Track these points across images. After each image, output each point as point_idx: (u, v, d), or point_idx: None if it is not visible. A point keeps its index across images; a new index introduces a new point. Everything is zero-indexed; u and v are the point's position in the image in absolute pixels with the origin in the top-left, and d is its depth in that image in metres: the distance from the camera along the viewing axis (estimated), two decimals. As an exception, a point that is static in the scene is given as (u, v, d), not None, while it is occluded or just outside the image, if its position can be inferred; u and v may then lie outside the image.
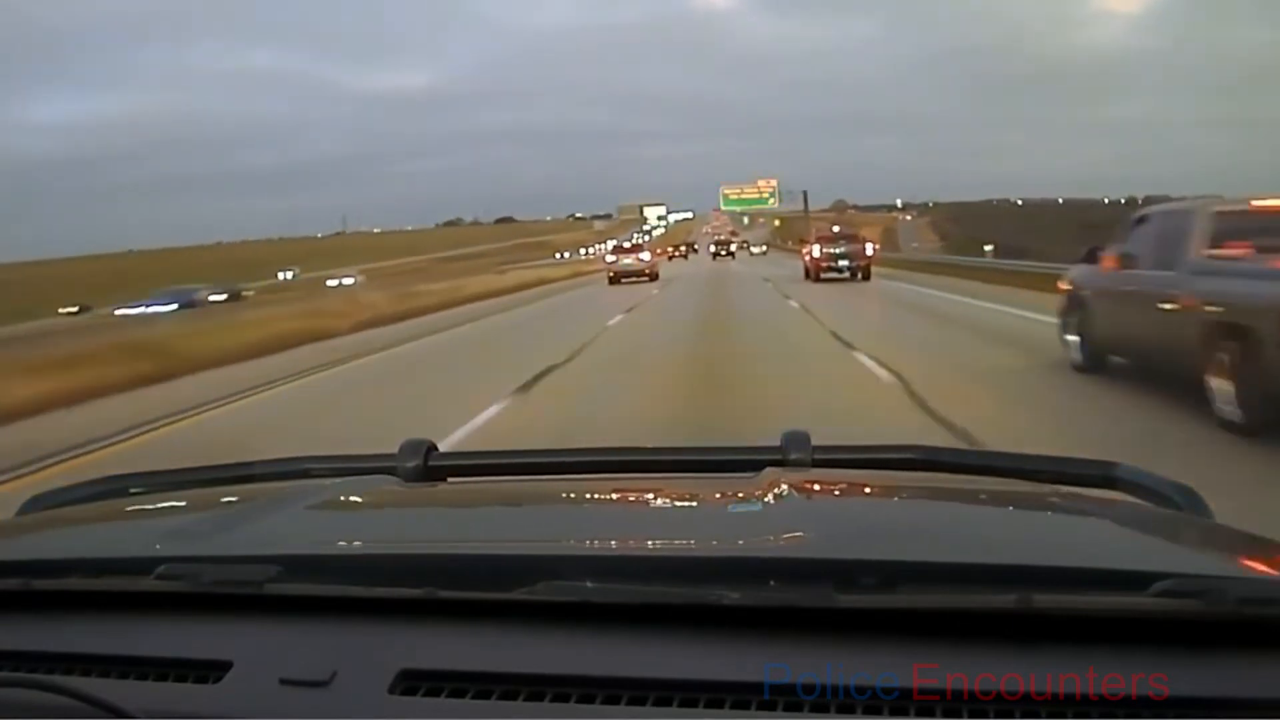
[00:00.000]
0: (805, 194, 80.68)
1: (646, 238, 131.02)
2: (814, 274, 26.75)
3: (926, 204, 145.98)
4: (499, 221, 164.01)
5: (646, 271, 34.03)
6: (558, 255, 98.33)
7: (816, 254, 27.03)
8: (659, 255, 72.04)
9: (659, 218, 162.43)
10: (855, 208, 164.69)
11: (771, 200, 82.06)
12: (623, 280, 32.98)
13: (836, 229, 30.51)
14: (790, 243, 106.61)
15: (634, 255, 36.30)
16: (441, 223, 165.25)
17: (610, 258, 36.80)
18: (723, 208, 74.30)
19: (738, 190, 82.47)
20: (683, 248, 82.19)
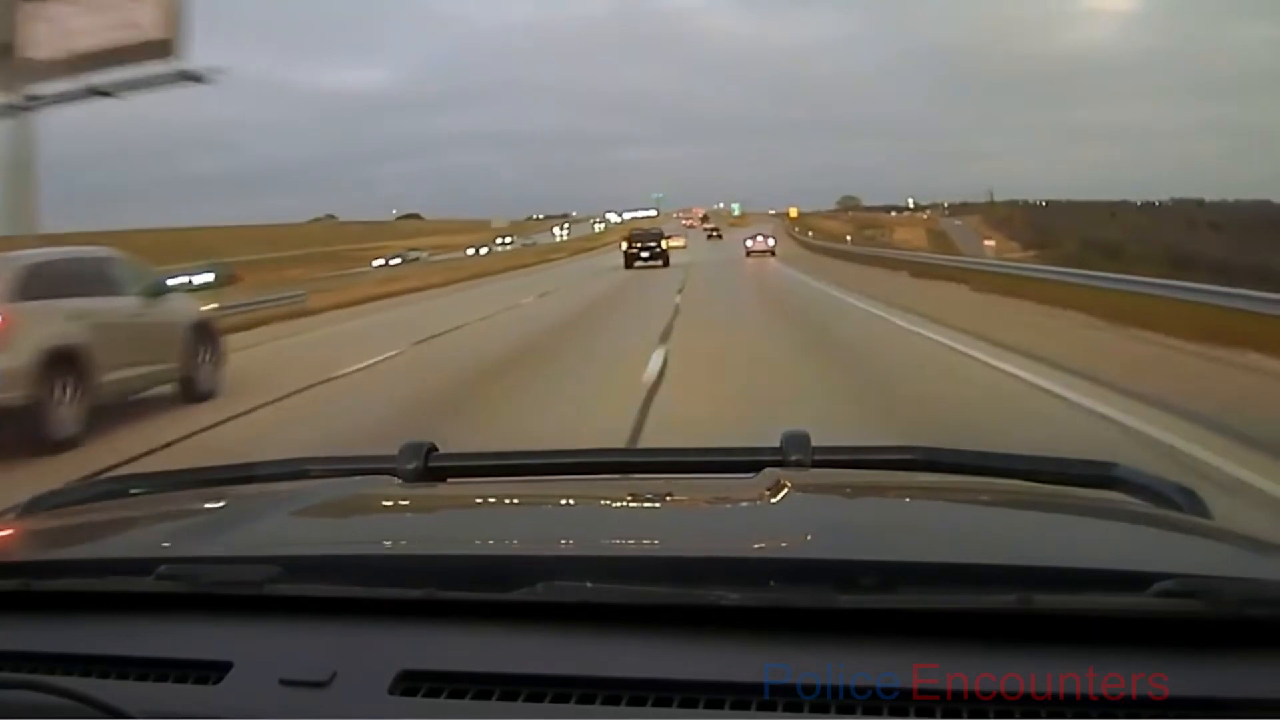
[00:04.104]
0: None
1: (565, 234, 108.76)
2: None
3: (941, 204, 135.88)
4: (403, 218, 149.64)
5: None
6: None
7: None
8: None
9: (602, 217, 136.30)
10: (864, 208, 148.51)
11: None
12: None
13: None
14: (811, 234, 79.19)
15: None
16: (312, 218, 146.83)
17: None
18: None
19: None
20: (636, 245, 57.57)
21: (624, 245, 38.02)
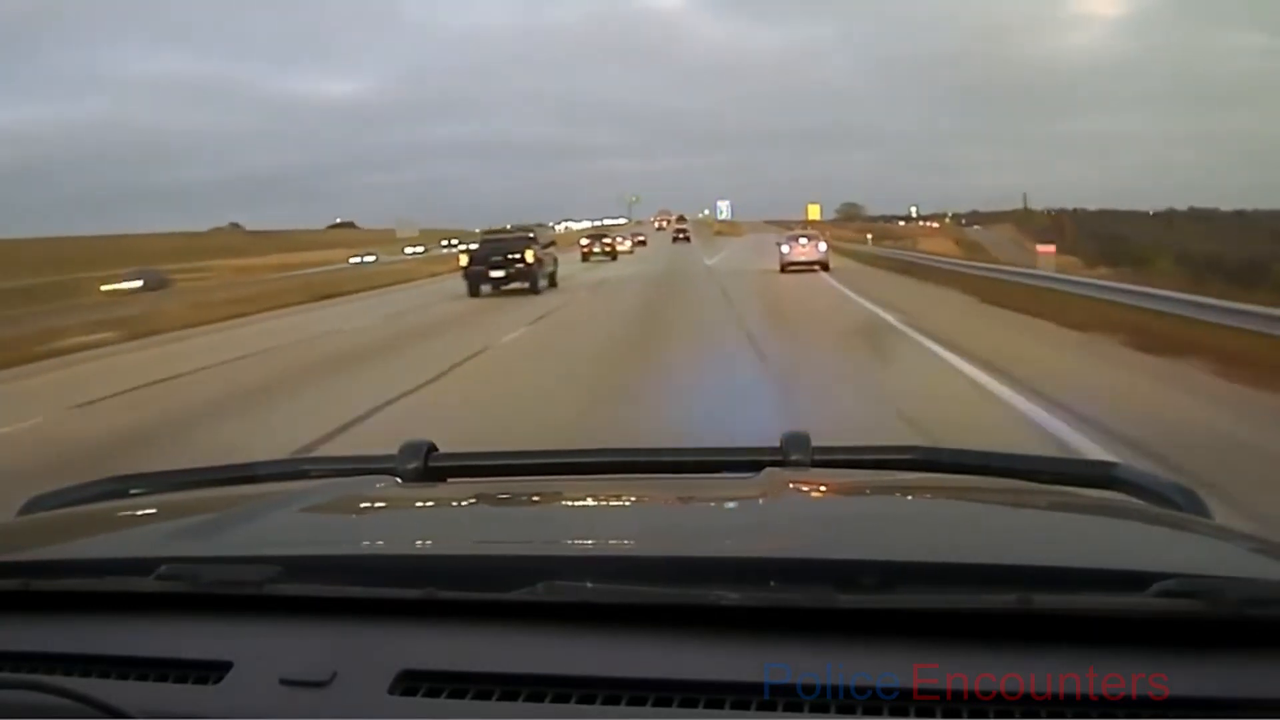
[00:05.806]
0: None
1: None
2: None
3: (946, 213, 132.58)
4: (334, 227, 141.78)
5: None
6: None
7: None
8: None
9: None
10: (868, 217, 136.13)
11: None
12: None
13: None
14: (846, 232, 65.48)
15: None
16: (214, 226, 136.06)
17: None
18: None
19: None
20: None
21: (463, 260, 24.43)
